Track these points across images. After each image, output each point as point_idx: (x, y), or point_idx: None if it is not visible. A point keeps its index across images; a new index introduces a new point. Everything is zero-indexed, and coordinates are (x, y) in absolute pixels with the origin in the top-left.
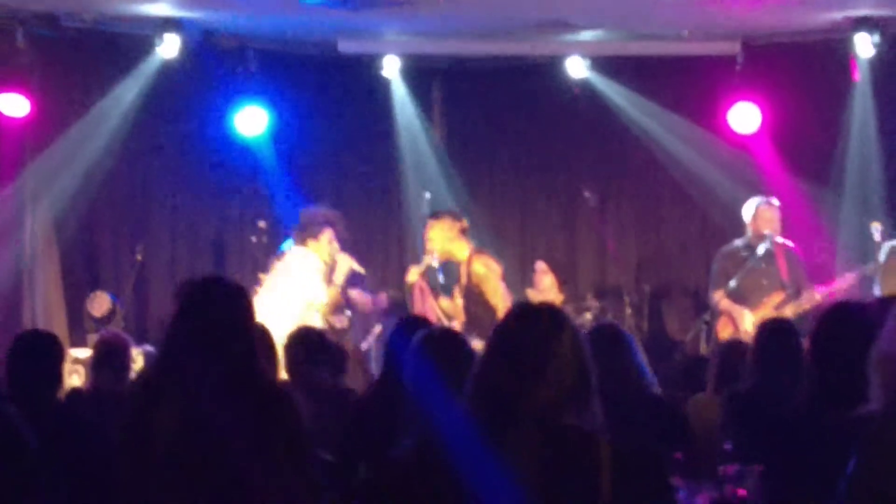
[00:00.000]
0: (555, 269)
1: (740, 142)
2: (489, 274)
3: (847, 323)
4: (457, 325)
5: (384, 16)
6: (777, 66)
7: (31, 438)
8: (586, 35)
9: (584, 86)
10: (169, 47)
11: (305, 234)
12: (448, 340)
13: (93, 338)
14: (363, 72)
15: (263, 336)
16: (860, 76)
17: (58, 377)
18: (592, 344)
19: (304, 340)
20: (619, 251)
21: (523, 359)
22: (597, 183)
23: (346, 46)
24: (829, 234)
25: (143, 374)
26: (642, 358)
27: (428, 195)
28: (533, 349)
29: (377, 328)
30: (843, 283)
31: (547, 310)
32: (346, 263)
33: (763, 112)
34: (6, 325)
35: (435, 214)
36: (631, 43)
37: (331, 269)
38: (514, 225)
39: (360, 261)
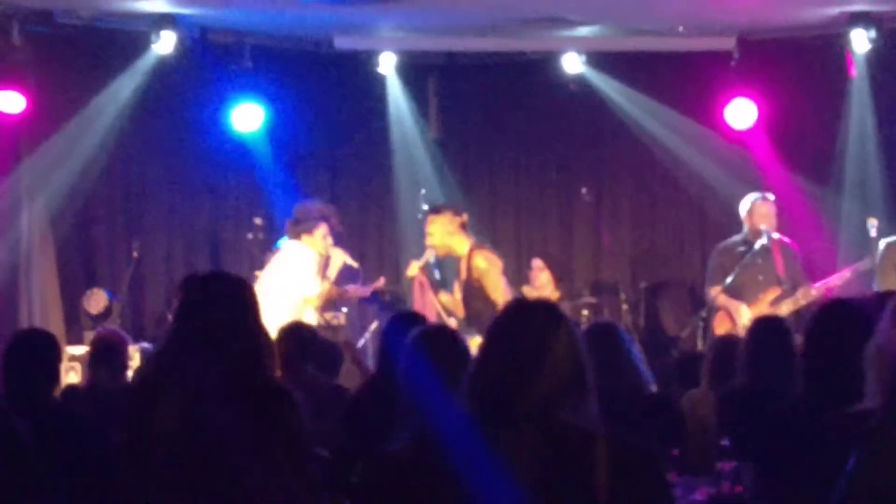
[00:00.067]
0: (551, 265)
1: (736, 137)
2: (490, 268)
3: (841, 320)
4: (453, 322)
5: (380, 12)
6: (773, 62)
7: (27, 436)
8: (582, 31)
9: (580, 82)
10: (165, 44)
11: (300, 228)
12: (442, 337)
13: (89, 335)
14: (359, 68)
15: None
16: (857, 71)
17: (55, 376)
18: (589, 342)
19: (294, 335)
20: (615, 247)
21: (519, 355)
22: (593, 179)
23: (343, 43)
24: (826, 230)
25: (142, 371)
26: (638, 355)
27: (423, 191)
28: (529, 346)
29: (374, 324)
30: (840, 279)
31: (543, 306)
32: (340, 258)
33: (759, 107)
34: (3, 321)
35: (435, 209)
36: (627, 38)
37: (325, 263)
38: (509, 221)
39: (355, 256)
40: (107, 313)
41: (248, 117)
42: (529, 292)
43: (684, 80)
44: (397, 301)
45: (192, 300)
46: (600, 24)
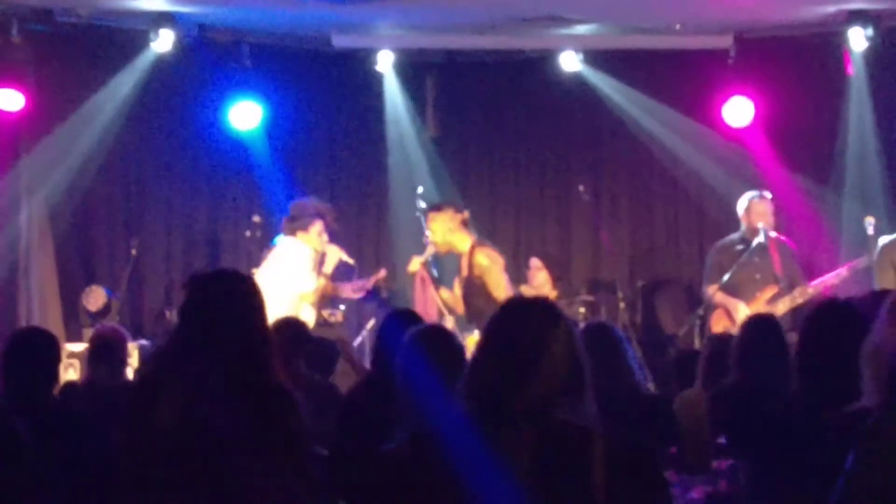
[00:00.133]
0: (548, 263)
1: (734, 135)
2: (492, 266)
3: (836, 319)
4: (449, 320)
5: (378, 10)
6: (770, 60)
7: (27, 436)
8: (580, 29)
9: (578, 80)
10: (163, 42)
11: (295, 225)
12: (438, 337)
13: (88, 332)
14: (357, 66)
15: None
16: (855, 70)
17: (54, 375)
18: (584, 341)
19: (284, 331)
20: (612, 245)
21: (517, 353)
22: (591, 177)
23: (341, 41)
24: (825, 228)
25: (144, 370)
26: (634, 355)
27: (421, 189)
28: (527, 344)
29: (371, 322)
30: (837, 277)
31: (540, 304)
32: (336, 255)
33: (756, 106)
34: (2, 319)
35: (436, 206)
36: (624, 37)
37: (320, 260)
38: (507, 219)
39: (353, 253)
40: (105, 310)
41: (246, 115)
42: (527, 291)
43: (682, 78)
44: (392, 298)
45: (196, 298)
46: (598, 23)
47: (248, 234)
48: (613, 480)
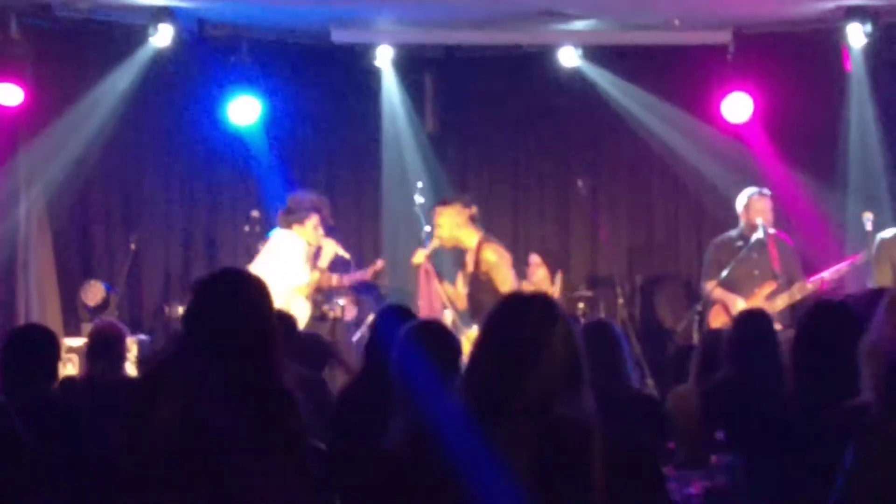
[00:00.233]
0: (547, 258)
1: (733, 131)
2: (500, 262)
3: (830, 320)
4: (448, 315)
5: (377, 5)
6: (769, 56)
7: (26, 433)
8: (578, 24)
9: (577, 75)
10: (162, 37)
11: (291, 218)
12: (435, 332)
13: (87, 327)
14: (356, 62)
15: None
16: (854, 65)
17: (53, 372)
18: (584, 339)
19: None
20: (611, 241)
21: (516, 349)
22: (589, 173)
23: (340, 36)
24: (825, 224)
25: (146, 368)
26: (630, 353)
27: (420, 184)
28: (525, 339)
29: (370, 317)
30: (836, 273)
31: (539, 300)
32: (332, 249)
33: (755, 101)
34: (0, 313)
35: (444, 200)
36: (623, 32)
37: (316, 253)
38: (505, 215)
39: (351, 248)
40: (104, 305)
41: (245, 110)
42: (527, 287)
43: (680, 73)
44: (391, 293)
45: (203, 299)
46: (596, 18)
47: (246, 228)
48: (612, 476)
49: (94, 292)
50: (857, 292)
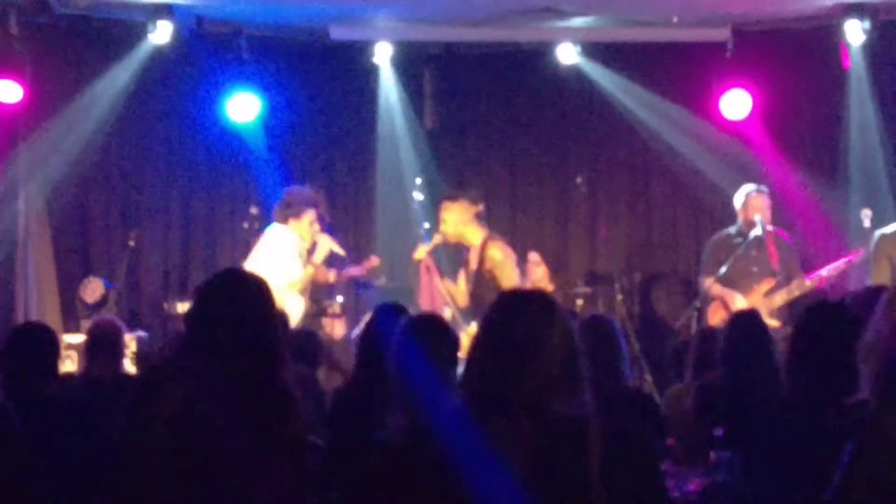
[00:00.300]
0: (546, 255)
1: (731, 128)
2: (506, 260)
3: (827, 320)
4: (447, 312)
5: (376, 2)
6: (768, 53)
7: (25, 431)
8: (577, 21)
9: (575, 72)
10: (161, 33)
11: (288, 212)
12: (434, 326)
13: (86, 323)
14: (355, 58)
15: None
16: (853, 62)
17: (53, 370)
18: (582, 334)
19: None
20: (609, 237)
21: (514, 346)
22: (588, 170)
23: (338, 33)
24: (823, 221)
25: (147, 365)
26: (627, 350)
27: (419, 181)
28: (523, 337)
29: (369, 314)
30: (834, 270)
31: (537, 297)
32: (327, 245)
33: (754, 98)
34: None
35: (451, 196)
36: (622, 29)
37: (310, 249)
38: (504, 211)
39: (349, 245)
40: (103, 302)
41: (243, 107)
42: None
43: (679, 70)
44: (390, 291)
45: (205, 299)
46: (596, 15)
47: (245, 225)
48: (610, 472)
49: (93, 289)
50: (856, 290)
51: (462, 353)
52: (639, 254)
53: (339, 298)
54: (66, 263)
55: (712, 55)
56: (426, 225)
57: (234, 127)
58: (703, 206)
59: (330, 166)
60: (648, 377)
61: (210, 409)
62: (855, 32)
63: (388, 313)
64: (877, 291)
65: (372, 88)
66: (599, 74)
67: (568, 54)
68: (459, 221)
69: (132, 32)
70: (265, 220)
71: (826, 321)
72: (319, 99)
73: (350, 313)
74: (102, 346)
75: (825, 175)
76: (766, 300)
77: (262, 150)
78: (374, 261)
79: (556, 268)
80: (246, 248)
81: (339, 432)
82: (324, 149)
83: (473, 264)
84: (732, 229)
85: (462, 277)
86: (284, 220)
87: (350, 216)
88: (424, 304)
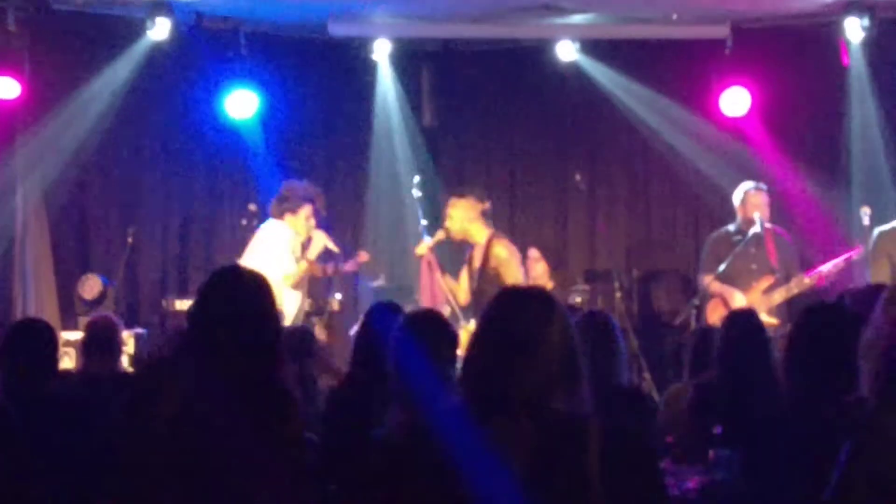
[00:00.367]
0: (545, 253)
1: (731, 125)
2: (511, 259)
3: (825, 320)
4: (446, 309)
5: None
6: (767, 50)
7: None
8: (576, 18)
9: (574, 69)
10: (160, 30)
11: (285, 206)
12: (432, 321)
13: (84, 320)
14: (354, 55)
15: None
16: (853, 59)
17: (52, 367)
18: (581, 331)
19: None
20: (609, 235)
21: (513, 344)
22: (587, 167)
23: (337, 29)
24: (823, 218)
25: (145, 362)
26: (626, 346)
27: (418, 178)
28: (522, 334)
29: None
30: (833, 268)
31: (537, 294)
32: (322, 241)
33: (753, 95)
34: None
35: (459, 192)
36: (621, 26)
37: (305, 245)
38: (503, 209)
39: (347, 242)
40: (101, 298)
41: (242, 104)
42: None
43: (678, 68)
44: (391, 290)
45: (205, 298)
46: (594, 12)
47: (243, 222)
48: (609, 470)
49: (91, 285)
50: (856, 288)
51: (461, 350)
52: (638, 251)
53: (338, 296)
54: (64, 260)
55: (712, 52)
56: (424, 222)
57: (232, 123)
58: (702, 203)
59: (328, 163)
60: (647, 375)
61: (209, 409)
62: (854, 29)
63: (385, 312)
64: (876, 289)
65: (370, 85)
66: (599, 72)
67: (567, 51)
68: (465, 218)
69: (131, 28)
70: (263, 217)
71: (825, 320)
72: (318, 96)
73: (349, 311)
74: (100, 343)
75: (825, 172)
76: (765, 298)
77: (260, 147)
78: (364, 256)
79: (555, 266)
80: (244, 245)
81: (335, 431)
82: (321, 145)
83: (477, 262)
84: (731, 227)
85: (464, 275)
86: (281, 215)
87: (348, 213)
88: (425, 301)
